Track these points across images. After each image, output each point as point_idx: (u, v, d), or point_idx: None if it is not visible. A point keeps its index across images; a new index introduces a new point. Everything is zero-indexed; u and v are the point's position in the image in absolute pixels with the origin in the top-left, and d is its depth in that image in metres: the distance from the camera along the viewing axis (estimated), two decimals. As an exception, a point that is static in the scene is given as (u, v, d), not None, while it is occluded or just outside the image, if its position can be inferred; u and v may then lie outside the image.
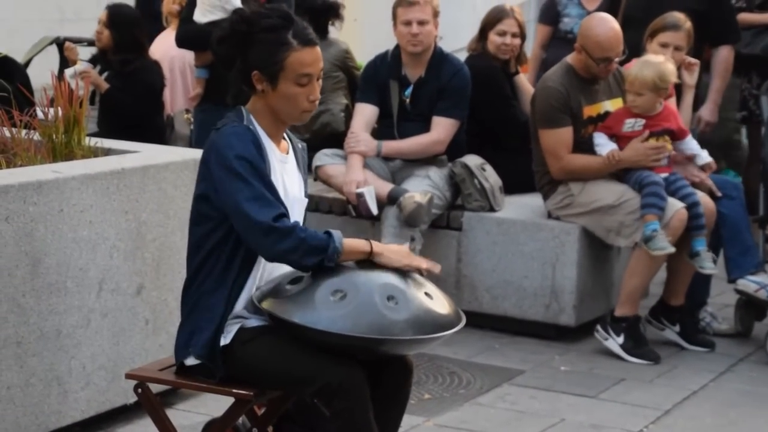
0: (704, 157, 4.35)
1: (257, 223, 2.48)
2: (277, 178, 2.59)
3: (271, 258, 2.55)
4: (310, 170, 2.97)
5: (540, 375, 4.04)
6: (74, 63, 5.06)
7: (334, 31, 5.52)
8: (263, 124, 2.61)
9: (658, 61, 4.25)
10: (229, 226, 2.56)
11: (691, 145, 4.34)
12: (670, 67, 4.23)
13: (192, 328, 2.61)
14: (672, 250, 4.10)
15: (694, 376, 4.08)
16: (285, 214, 2.51)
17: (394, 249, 2.58)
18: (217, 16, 4.48)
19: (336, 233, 2.52)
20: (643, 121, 4.23)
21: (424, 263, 2.57)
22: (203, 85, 4.65)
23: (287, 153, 2.67)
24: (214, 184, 2.54)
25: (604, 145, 4.26)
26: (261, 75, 2.56)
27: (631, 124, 4.24)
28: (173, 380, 2.69)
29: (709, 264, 4.15)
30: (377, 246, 2.56)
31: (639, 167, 4.22)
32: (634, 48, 4.50)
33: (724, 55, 4.94)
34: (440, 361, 4.12)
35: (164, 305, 3.44)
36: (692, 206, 4.17)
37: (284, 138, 2.69)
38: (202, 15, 4.54)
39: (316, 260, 2.50)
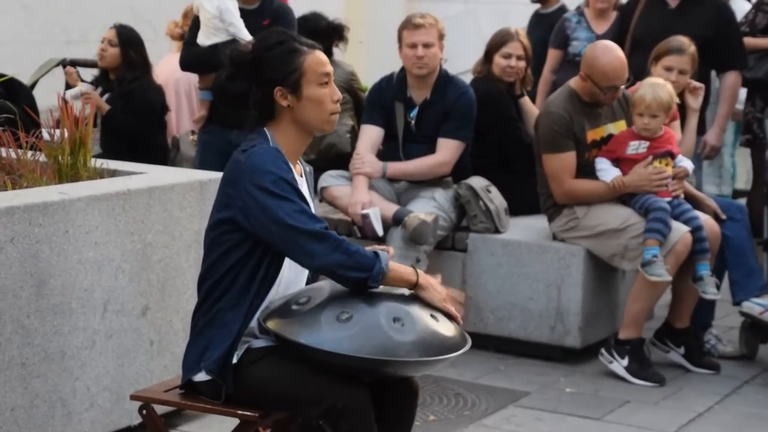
0: (685, 162, 4.31)
1: (311, 232, 2.48)
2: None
3: (320, 267, 2.52)
4: (315, 192, 2.97)
5: (545, 397, 4.03)
6: (75, 83, 5.08)
7: (338, 53, 5.55)
8: (286, 143, 2.62)
9: (663, 82, 4.27)
10: (251, 245, 2.54)
11: (681, 162, 4.34)
12: (671, 87, 4.26)
13: (206, 343, 2.60)
14: (668, 278, 4.10)
15: (699, 398, 4.06)
16: (329, 228, 2.54)
17: (438, 287, 2.55)
18: (220, 38, 4.51)
19: (383, 254, 2.52)
20: (647, 144, 4.24)
21: (458, 314, 2.55)
22: (207, 107, 4.67)
23: (302, 176, 2.69)
24: (244, 205, 2.52)
25: (607, 170, 4.26)
26: (283, 89, 2.58)
27: (635, 147, 4.25)
28: (178, 401, 2.69)
29: (711, 289, 4.15)
30: (424, 279, 2.54)
31: (643, 192, 4.22)
32: (641, 71, 4.52)
33: (731, 81, 4.95)
34: (445, 382, 4.11)
35: (169, 326, 3.44)
36: (696, 230, 4.17)
37: (298, 161, 2.71)
38: (205, 38, 4.57)
39: (361, 277, 2.49)
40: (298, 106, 2.59)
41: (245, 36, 4.47)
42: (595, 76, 4.23)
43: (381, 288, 2.55)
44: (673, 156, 4.29)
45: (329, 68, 2.62)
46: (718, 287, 4.22)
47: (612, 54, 4.25)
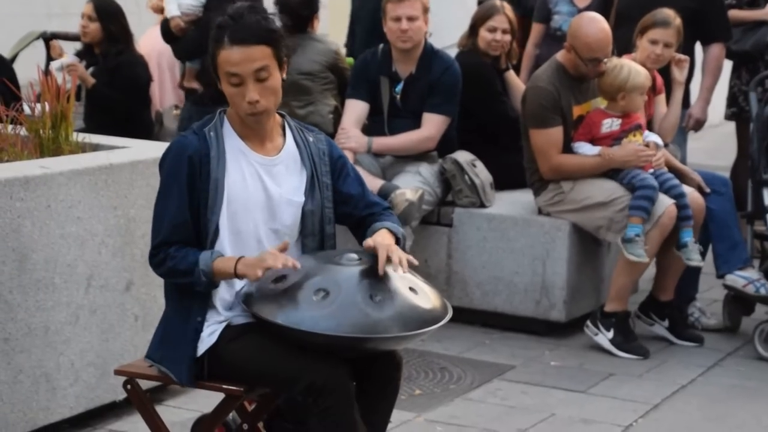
0: (652, 136, 4.32)
1: (152, 243, 2.60)
2: (247, 182, 2.57)
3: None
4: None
5: (530, 370, 4.05)
6: (59, 56, 5.03)
7: (324, 29, 5.48)
8: (241, 126, 2.61)
9: (633, 63, 4.25)
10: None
11: (649, 138, 4.34)
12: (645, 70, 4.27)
13: (164, 331, 2.65)
14: (646, 260, 4.12)
15: (683, 370, 4.09)
16: (172, 242, 2.54)
17: (254, 261, 2.50)
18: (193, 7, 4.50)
19: (204, 256, 2.52)
20: (620, 121, 4.25)
21: (280, 259, 2.48)
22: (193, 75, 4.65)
23: (277, 153, 2.63)
24: None
25: (591, 149, 4.25)
26: (213, 74, 2.59)
27: (609, 125, 4.26)
28: (162, 376, 2.68)
29: (695, 256, 4.16)
30: (241, 267, 2.51)
31: (629, 167, 4.22)
32: (626, 45, 4.50)
33: (715, 53, 4.95)
34: (431, 357, 4.12)
35: (153, 301, 3.42)
36: (678, 197, 4.18)
37: (282, 135, 2.65)
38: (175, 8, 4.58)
39: (187, 282, 2.55)
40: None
41: (171, 11, 4.50)
42: (579, 47, 4.21)
43: (360, 262, 2.53)
44: (641, 129, 4.30)
45: (239, 69, 2.50)
46: (703, 256, 4.24)
47: (596, 26, 4.24)
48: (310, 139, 2.68)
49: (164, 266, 2.58)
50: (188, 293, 2.59)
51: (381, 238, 2.58)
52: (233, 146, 2.59)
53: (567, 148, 4.30)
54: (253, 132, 2.61)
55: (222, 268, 2.53)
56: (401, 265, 2.52)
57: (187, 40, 4.60)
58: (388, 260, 2.52)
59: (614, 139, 4.25)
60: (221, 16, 2.57)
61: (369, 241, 2.56)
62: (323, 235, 2.66)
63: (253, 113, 2.55)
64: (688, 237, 4.16)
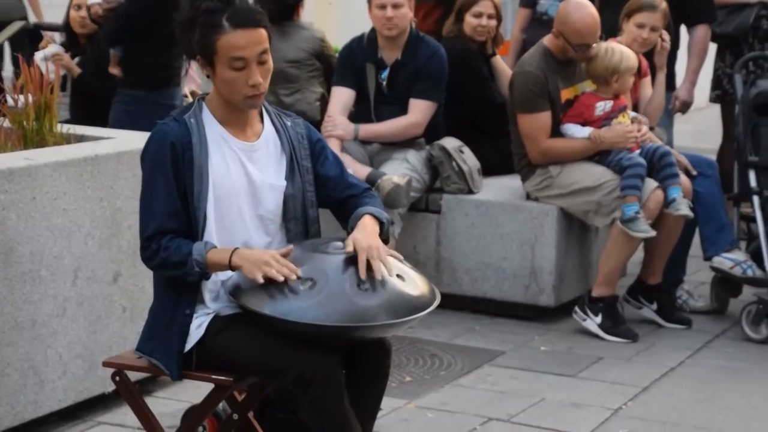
0: (636, 114, 4.34)
1: (143, 234, 2.56)
2: (229, 168, 2.56)
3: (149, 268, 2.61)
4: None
5: (520, 355, 4.06)
6: (44, 47, 4.98)
7: (309, 17, 5.45)
8: (221, 112, 2.58)
9: (621, 45, 4.26)
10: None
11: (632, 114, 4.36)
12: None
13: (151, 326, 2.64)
14: (653, 233, 4.12)
15: (671, 353, 4.11)
16: (164, 231, 2.51)
17: (253, 258, 2.46)
18: None
19: (198, 247, 2.49)
20: (611, 103, 4.26)
21: (284, 269, 2.45)
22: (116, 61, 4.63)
23: (257, 138, 2.62)
24: None
25: (579, 130, 4.25)
26: (202, 60, 2.54)
27: (602, 107, 4.26)
28: (151, 367, 2.67)
29: (685, 208, 4.16)
30: (237, 258, 2.47)
31: (618, 149, 4.23)
32: (612, 28, 4.50)
33: (700, 35, 4.95)
34: (421, 343, 4.13)
35: (141, 292, 3.41)
36: (663, 156, 4.19)
37: (261, 121, 2.65)
38: None
39: (178, 274, 2.52)
40: (215, 80, 2.56)
41: None
42: (568, 33, 4.21)
43: (346, 252, 2.51)
44: (626, 110, 4.31)
45: (247, 53, 2.48)
46: (691, 209, 4.24)
47: (585, 11, 4.23)
48: (288, 123, 2.67)
49: (156, 258, 2.54)
50: (177, 286, 2.58)
51: (362, 235, 2.52)
52: (214, 133, 2.57)
53: (555, 132, 4.30)
54: (235, 118, 2.59)
55: (216, 259, 2.51)
56: (381, 269, 2.46)
57: (108, 27, 4.62)
58: (369, 267, 2.47)
59: (603, 120, 4.25)
60: (203, 1, 2.53)
61: (349, 243, 2.51)
62: (306, 219, 2.66)
63: (255, 95, 2.54)
64: (676, 193, 4.16)
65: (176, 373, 2.58)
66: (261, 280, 2.45)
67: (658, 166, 4.21)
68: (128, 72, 4.60)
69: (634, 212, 4.10)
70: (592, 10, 4.26)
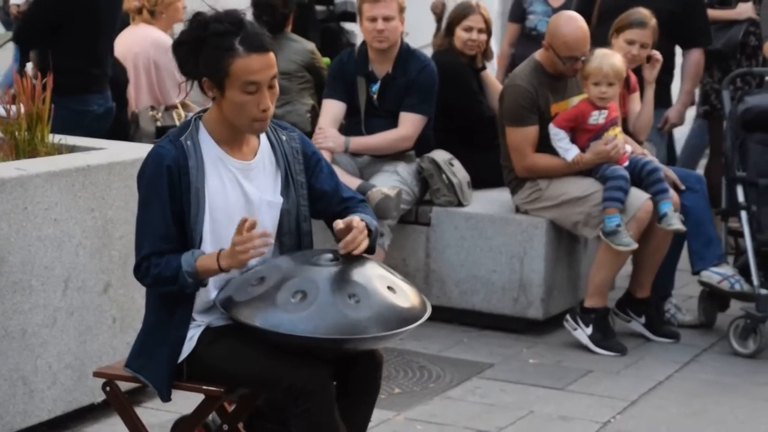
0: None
1: (138, 255, 2.56)
2: (226, 189, 2.56)
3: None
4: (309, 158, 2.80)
5: (509, 368, 4.07)
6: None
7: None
8: (219, 131, 2.58)
9: (612, 52, 4.31)
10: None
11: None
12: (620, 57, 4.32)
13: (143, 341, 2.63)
14: (635, 246, 4.15)
15: (659, 366, 4.12)
16: (157, 252, 2.51)
17: (228, 254, 2.47)
18: None
19: (186, 257, 2.50)
20: (606, 113, 4.28)
21: (254, 241, 2.47)
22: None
23: (254, 156, 2.62)
24: None
25: (568, 149, 4.26)
26: (210, 82, 2.53)
27: (596, 117, 4.29)
28: (136, 375, 2.67)
29: (676, 222, 4.19)
30: (224, 262, 2.49)
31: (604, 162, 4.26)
32: (608, 43, 4.53)
33: (695, 58, 4.98)
34: (410, 355, 4.13)
35: (132, 303, 3.41)
36: (652, 172, 4.22)
37: (257, 137, 2.64)
38: None
39: (173, 290, 2.52)
40: (222, 102, 2.54)
41: None
42: (557, 45, 4.25)
43: (338, 262, 2.53)
44: (617, 123, 4.34)
45: (261, 77, 2.48)
46: (678, 252, 4.27)
47: (574, 24, 4.27)
48: (284, 137, 2.67)
49: (149, 276, 2.54)
50: (169, 303, 2.57)
51: (349, 219, 2.57)
52: (210, 154, 2.57)
53: (543, 146, 4.32)
54: (233, 137, 2.59)
55: (205, 265, 2.51)
56: (361, 246, 2.51)
57: (15, 29, 4.54)
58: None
59: (595, 133, 4.28)
60: (211, 23, 2.51)
61: (339, 222, 2.56)
62: (300, 233, 2.66)
63: (263, 119, 2.54)
64: (667, 207, 4.18)
65: (166, 393, 2.59)
66: (245, 259, 2.46)
67: (647, 181, 4.25)
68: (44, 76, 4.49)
69: (615, 225, 4.13)
70: (582, 23, 4.29)
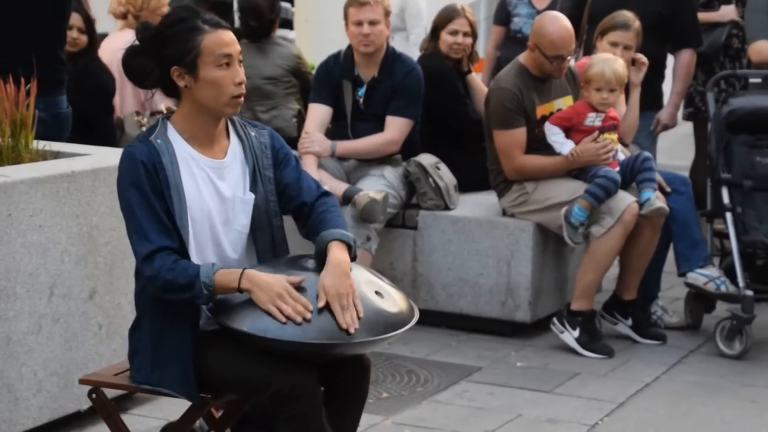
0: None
1: (139, 253, 2.49)
2: (200, 187, 2.55)
3: (148, 288, 2.53)
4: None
5: (497, 371, 4.07)
6: None
7: (287, 34, 5.48)
8: (189, 129, 2.57)
9: (615, 57, 4.33)
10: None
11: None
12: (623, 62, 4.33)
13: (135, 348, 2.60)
14: (577, 245, 4.19)
15: (646, 368, 4.13)
16: (161, 248, 2.46)
17: (265, 286, 2.42)
18: None
19: (205, 268, 2.47)
20: (602, 116, 4.30)
21: (299, 305, 2.42)
22: None
23: (224, 155, 2.61)
24: None
25: (563, 143, 4.27)
26: (180, 69, 2.52)
27: (592, 119, 4.30)
28: (128, 385, 2.66)
29: (659, 203, 4.19)
30: (246, 282, 2.43)
31: (592, 164, 4.27)
32: (595, 46, 4.55)
33: (686, 59, 4.99)
34: (398, 359, 4.13)
35: (118, 309, 3.39)
36: (645, 160, 4.24)
37: (227, 136, 2.63)
38: None
39: (186, 297, 2.46)
40: (195, 87, 2.53)
41: None
42: (543, 45, 4.26)
43: (319, 306, 2.47)
44: (616, 129, 4.36)
45: (231, 49, 2.51)
46: (664, 253, 4.27)
47: (559, 23, 4.29)
48: (253, 133, 2.67)
49: (159, 279, 2.45)
50: (171, 310, 2.53)
51: (331, 280, 2.44)
52: (182, 153, 2.56)
53: (530, 148, 4.33)
54: (203, 134, 2.58)
55: (224, 282, 2.46)
56: (353, 321, 2.43)
57: None
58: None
59: (589, 134, 4.28)
60: (166, 17, 2.55)
61: (320, 293, 2.45)
62: (272, 228, 2.65)
63: (240, 95, 2.55)
64: (650, 194, 4.20)
65: (197, 396, 2.54)
66: (281, 318, 2.40)
67: (638, 168, 4.26)
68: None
69: (579, 222, 4.15)
70: (566, 23, 4.31)
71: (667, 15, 4.79)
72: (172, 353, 2.54)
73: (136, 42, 2.58)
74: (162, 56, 2.53)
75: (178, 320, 2.54)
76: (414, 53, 5.53)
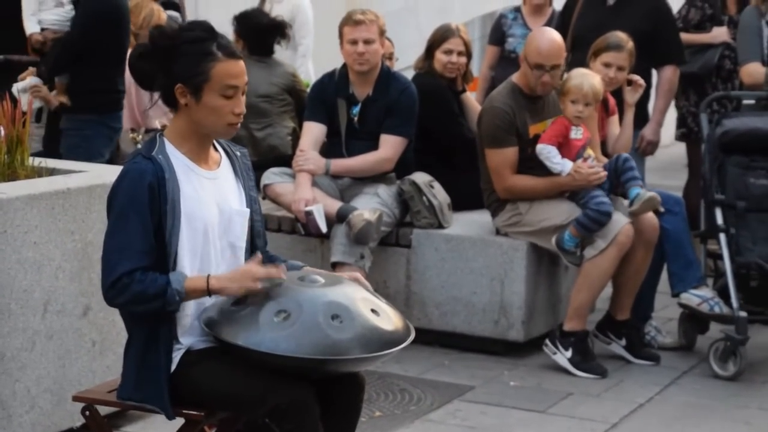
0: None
1: (109, 275, 2.51)
2: (199, 195, 2.57)
3: (117, 308, 2.58)
4: (258, 189, 2.94)
5: (490, 391, 4.07)
6: (24, 78, 4.96)
7: (281, 52, 5.51)
8: (185, 144, 2.59)
9: (593, 72, 4.36)
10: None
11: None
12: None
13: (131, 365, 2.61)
14: (578, 266, 4.22)
15: (640, 389, 4.13)
16: (139, 268, 2.49)
17: (231, 277, 2.51)
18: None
19: (175, 276, 2.50)
20: (582, 129, 4.32)
21: (271, 269, 2.50)
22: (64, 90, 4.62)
23: (218, 167, 2.64)
24: None
25: (562, 163, 4.28)
26: (185, 87, 2.54)
27: (575, 132, 4.32)
28: (121, 402, 2.65)
29: (649, 193, 4.21)
30: (215, 283, 2.50)
31: (582, 188, 4.28)
32: (582, 67, 4.57)
33: (668, 75, 5.03)
34: (391, 378, 4.12)
35: (111, 326, 3.39)
36: (625, 161, 4.27)
37: (216, 149, 2.67)
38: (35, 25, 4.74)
39: (158, 306, 2.50)
40: (195, 108, 2.55)
41: (30, 28, 4.74)
42: (528, 53, 4.29)
43: (321, 280, 2.55)
44: (590, 143, 4.38)
45: (238, 81, 2.53)
46: (657, 274, 4.28)
47: (548, 35, 4.34)
48: (238, 153, 2.72)
49: (127, 292, 2.50)
50: (150, 324, 2.54)
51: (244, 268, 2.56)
52: (181, 165, 2.58)
53: (523, 167, 4.35)
54: (197, 148, 2.61)
55: (193, 286, 2.51)
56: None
57: (53, 56, 4.67)
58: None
59: (578, 150, 4.30)
60: (182, 31, 2.55)
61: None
62: (255, 249, 2.68)
63: (237, 123, 2.58)
64: (638, 189, 4.23)
65: (171, 413, 2.56)
66: (259, 286, 2.48)
67: (621, 169, 4.28)
68: (78, 97, 4.61)
69: (573, 246, 4.20)
70: (556, 36, 4.34)
71: (648, 32, 4.82)
72: (150, 368, 2.55)
73: (148, 44, 2.58)
74: (170, 69, 2.54)
75: (153, 337, 2.55)
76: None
